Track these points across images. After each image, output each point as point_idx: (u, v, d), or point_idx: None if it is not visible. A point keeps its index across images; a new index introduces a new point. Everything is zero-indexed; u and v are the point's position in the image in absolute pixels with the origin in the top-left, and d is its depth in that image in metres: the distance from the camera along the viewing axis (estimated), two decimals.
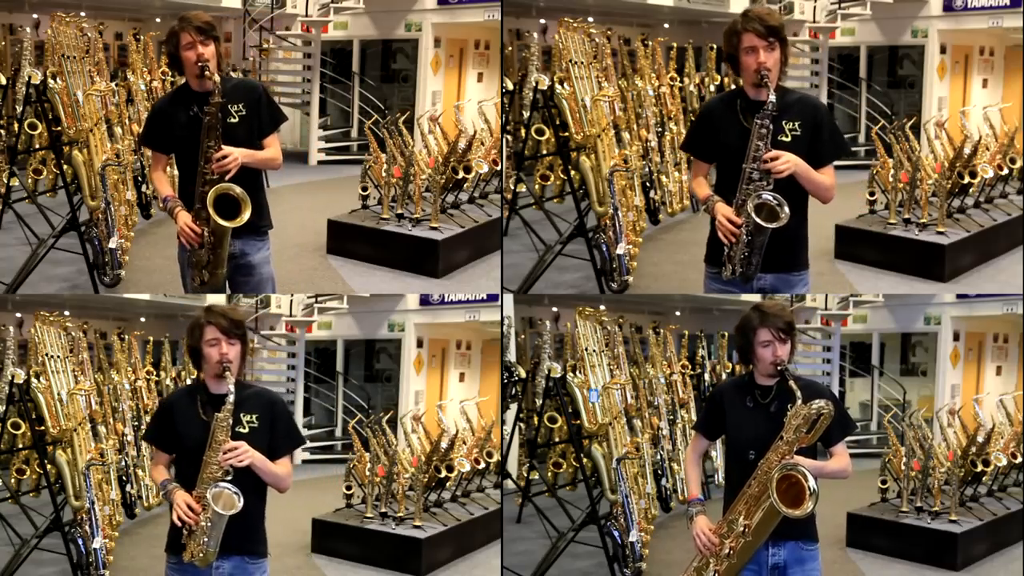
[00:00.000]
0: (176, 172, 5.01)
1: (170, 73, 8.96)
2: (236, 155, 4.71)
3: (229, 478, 4.16)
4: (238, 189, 4.70)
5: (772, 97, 4.35)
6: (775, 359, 4.18)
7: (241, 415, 4.23)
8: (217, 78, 4.69)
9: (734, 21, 4.45)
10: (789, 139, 4.43)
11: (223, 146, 4.71)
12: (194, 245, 4.78)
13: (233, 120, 4.78)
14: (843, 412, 4.34)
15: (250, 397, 4.30)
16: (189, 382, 9.17)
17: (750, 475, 4.17)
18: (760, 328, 4.19)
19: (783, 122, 4.42)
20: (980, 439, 8.13)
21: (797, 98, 4.52)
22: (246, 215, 4.71)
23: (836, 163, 4.59)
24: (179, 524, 4.18)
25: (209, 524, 4.15)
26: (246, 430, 4.23)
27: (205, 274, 4.85)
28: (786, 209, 4.35)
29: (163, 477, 4.35)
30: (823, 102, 4.72)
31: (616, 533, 7.04)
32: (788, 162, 4.36)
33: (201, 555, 4.17)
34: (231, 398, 4.18)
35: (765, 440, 4.15)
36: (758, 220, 4.36)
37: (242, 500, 4.15)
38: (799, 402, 4.10)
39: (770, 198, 4.36)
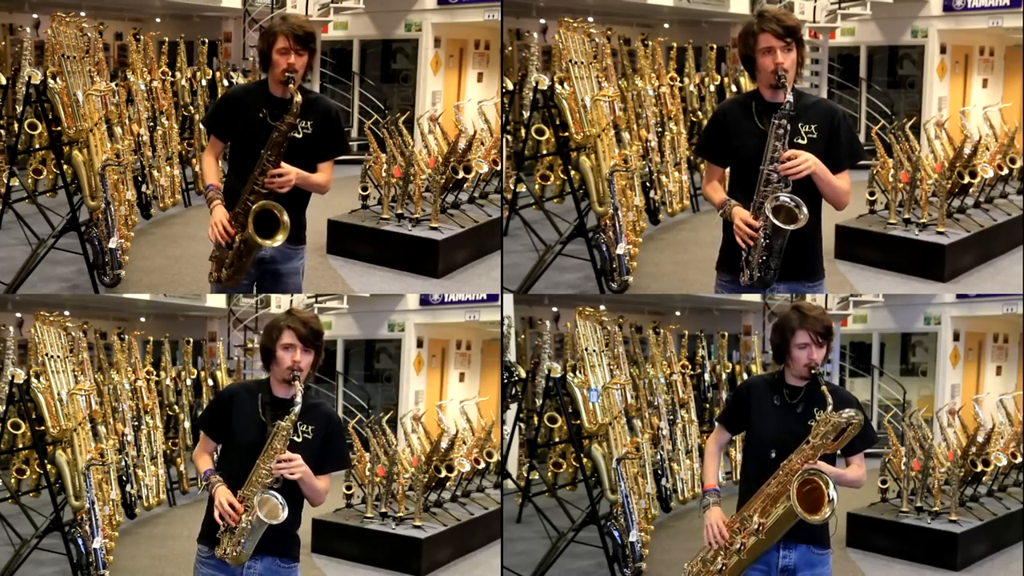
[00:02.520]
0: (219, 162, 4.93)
1: (170, 73, 8.95)
2: (291, 176, 4.64)
3: (278, 486, 4.12)
4: (285, 216, 4.63)
5: (790, 97, 4.30)
6: (810, 362, 4.18)
7: (298, 424, 4.18)
8: (299, 99, 4.58)
9: (749, 22, 4.40)
10: (805, 141, 4.38)
11: (282, 164, 4.63)
12: (220, 243, 4.73)
13: (297, 136, 4.70)
14: (869, 424, 4.33)
15: (310, 408, 4.24)
16: (189, 382, 9.27)
17: (769, 473, 4.17)
18: (799, 330, 4.19)
19: (799, 124, 4.37)
20: (980, 439, 8.13)
21: (814, 101, 4.48)
22: (279, 239, 4.64)
23: None
24: (219, 521, 4.15)
25: (249, 527, 4.11)
26: (300, 440, 4.19)
27: (224, 273, 4.81)
28: (804, 210, 4.29)
29: (207, 466, 4.30)
30: (840, 108, 4.67)
31: (616, 533, 7.04)
32: (807, 162, 4.29)
33: (234, 555, 4.14)
34: (297, 409, 4.12)
35: (788, 440, 4.16)
36: (776, 222, 4.31)
37: (286, 512, 4.10)
38: (830, 409, 4.10)
39: (788, 200, 4.31)
